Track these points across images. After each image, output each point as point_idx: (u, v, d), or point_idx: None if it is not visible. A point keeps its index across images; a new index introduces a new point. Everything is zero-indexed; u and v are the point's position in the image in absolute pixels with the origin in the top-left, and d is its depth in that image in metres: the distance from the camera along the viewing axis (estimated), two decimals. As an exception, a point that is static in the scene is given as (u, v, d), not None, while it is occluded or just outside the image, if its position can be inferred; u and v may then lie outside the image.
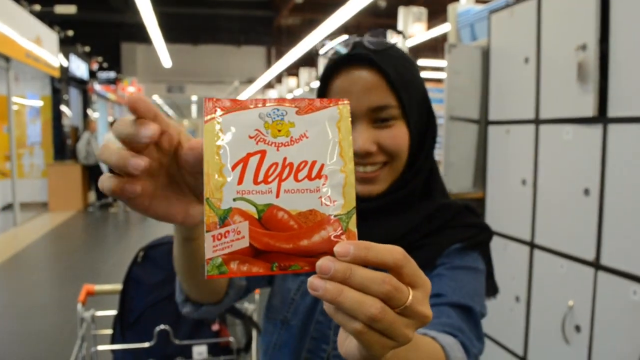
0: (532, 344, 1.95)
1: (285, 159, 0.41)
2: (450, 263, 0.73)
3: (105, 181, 0.42)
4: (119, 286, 1.50)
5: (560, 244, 1.78)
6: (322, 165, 0.41)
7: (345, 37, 0.77)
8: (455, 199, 0.83)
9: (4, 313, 4.07)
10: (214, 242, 0.40)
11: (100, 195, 9.36)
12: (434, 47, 10.69)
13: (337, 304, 0.36)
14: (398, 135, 0.73)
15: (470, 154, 2.35)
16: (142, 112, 0.40)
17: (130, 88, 14.51)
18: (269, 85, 14.56)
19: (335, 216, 0.41)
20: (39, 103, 9.63)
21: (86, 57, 11.98)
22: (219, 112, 0.42)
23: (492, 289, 0.82)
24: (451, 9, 2.68)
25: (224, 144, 0.41)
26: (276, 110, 0.42)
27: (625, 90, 1.52)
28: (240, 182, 0.40)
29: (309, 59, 10.16)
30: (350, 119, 0.43)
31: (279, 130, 0.42)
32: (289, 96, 9.68)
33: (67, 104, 10.02)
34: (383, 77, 0.72)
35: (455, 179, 2.32)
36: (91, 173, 9.23)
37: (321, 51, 0.77)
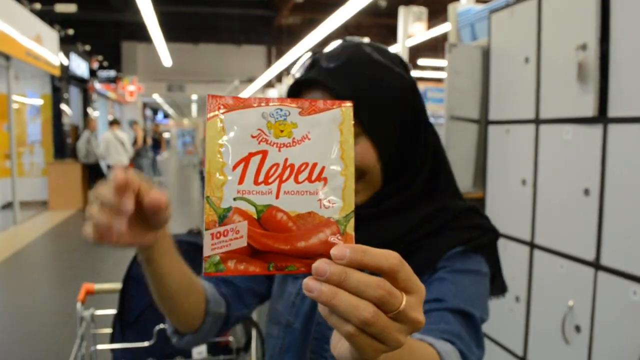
0: (532, 344, 1.95)
1: (286, 159, 0.41)
2: (452, 266, 0.72)
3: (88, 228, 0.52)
4: (118, 285, 1.49)
5: (560, 244, 1.78)
6: (323, 168, 0.42)
7: (308, 54, 0.77)
8: (461, 200, 0.82)
9: (4, 312, 4.07)
10: (213, 241, 0.40)
11: (100, 194, 9.35)
12: (435, 47, 10.69)
13: (331, 307, 0.37)
14: (360, 153, 0.72)
15: (470, 153, 2.35)
16: (122, 188, 0.49)
17: (131, 87, 14.51)
18: (269, 85, 14.56)
19: (333, 219, 0.41)
20: (39, 101, 9.63)
21: (86, 55, 11.99)
22: (222, 109, 0.42)
23: (499, 289, 0.82)
24: (451, 8, 2.67)
25: (226, 142, 0.41)
26: (279, 110, 0.42)
27: (626, 90, 1.52)
28: (241, 181, 0.41)
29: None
30: (352, 121, 0.43)
31: (282, 131, 0.42)
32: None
33: (68, 102, 10.02)
34: (336, 97, 0.70)
35: (456, 178, 2.32)
36: (91, 172, 9.22)
37: (292, 71, 0.79)
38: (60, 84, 9.68)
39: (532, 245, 1.92)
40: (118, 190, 0.49)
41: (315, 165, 0.42)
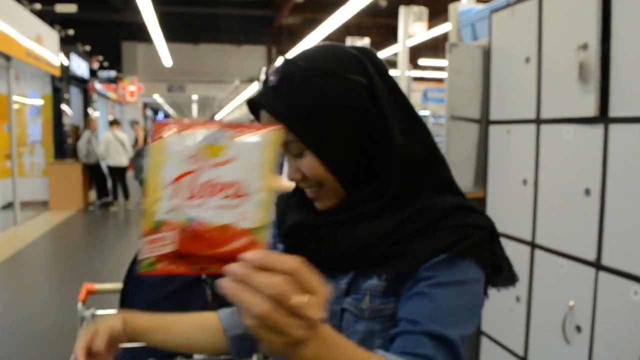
0: (532, 344, 1.95)
1: (216, 178, 0.49)
2: (435, 278, 0.68)
3: None
4: (119, 285, 1.50)
5: (561, 244, 1.78)
6: (247, 185, 0.49)
7: (280, 61, 0.75)
8: (460, 196, 0.78)
9: (4, 312, 4.07)
10: (148, 246, 0.48)
11: (101, 194, 9.36)
12: (435, 47, 10.69)
13: (236, 302, 0.44)
14: (308, 165, 0.72)
15: (471, 153, 2.35)
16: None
17: (131, 87, 14.52)
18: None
19: (250, 229, 0.49)
20: (40, 102, 9.63)
21: (87, 56, 11.99)
22: (165, 132, 0.49)
23: (506, 280, 0.77)
24: (452, 8, 2.67)
25: (165, 162, 0.49)
26: (214, 134, 0.49)
27: (627, 90, 1.52)
28: (174, 197, 0.49)
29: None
30: (278, 144, 0.50)
31: (214, 152, 0.49)
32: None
33: (68, 102, 10.03)
34: (275, 117, 0.71)
35: (456, 178, 2.29)
36: (92, 172, 9.23)
37: (261, 77, 0.80)
38: (61, 84, 9.68)
39: (532, 245, 1.92)
40: None
41: (240, 182, 0.49)
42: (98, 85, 13.05)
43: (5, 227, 7.23)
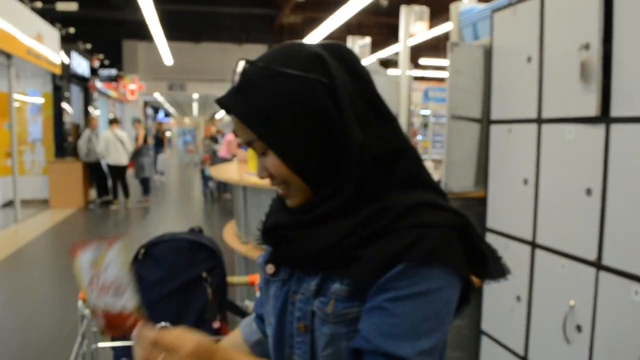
0: (532, 344, 1.95)
1: (105, 280, 0.76)
2: (395, 291, 0.66)
3: None
4: (119, 283, 1.49)
5: (561, 243, 1.78)
6: (120, 283, 0.75)
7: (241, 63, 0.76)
8: (420, 192, 0.73)
9: (4, 310, 4.08)
10: (95, 320, 0.80)
11: (101, 192, 9.36)
12: (436, 46, 10.69)
13: None
14: (272, 164, 0.73)
15: (472, 153, 2.34)
16: None
17: (132, 85, 14.51)
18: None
19: (133, 310, 0.76)
20: (40, 100, 9.63)
21: (87, 54, 11.98)
22: (78, 252, 0.77)
23: (494, 275, 0.74)
24: (453, 7, 2.67)
25: (81, 271, 0.77)
26: (98, 249, 0.76)
27: (628, 90, 1.52)
28: (90, 293, 0.77)
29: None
30: (123, 252, 0.76)
31: (100, 262, 0.76)
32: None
33: (69, 101, 10.02)
34: (236, 117, 0.74)
35: (457, 178, 2.32)
36: (92, 170, 9.22)
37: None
38: (62, 82, 9.68)
39: (533, 245, 1.92)
40: None
41: (115, 282, 0.75)
42: (99, 84, 13.05)
43: (5, 225, 7.24)
